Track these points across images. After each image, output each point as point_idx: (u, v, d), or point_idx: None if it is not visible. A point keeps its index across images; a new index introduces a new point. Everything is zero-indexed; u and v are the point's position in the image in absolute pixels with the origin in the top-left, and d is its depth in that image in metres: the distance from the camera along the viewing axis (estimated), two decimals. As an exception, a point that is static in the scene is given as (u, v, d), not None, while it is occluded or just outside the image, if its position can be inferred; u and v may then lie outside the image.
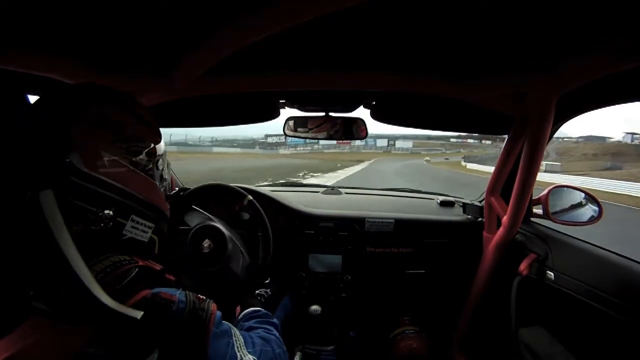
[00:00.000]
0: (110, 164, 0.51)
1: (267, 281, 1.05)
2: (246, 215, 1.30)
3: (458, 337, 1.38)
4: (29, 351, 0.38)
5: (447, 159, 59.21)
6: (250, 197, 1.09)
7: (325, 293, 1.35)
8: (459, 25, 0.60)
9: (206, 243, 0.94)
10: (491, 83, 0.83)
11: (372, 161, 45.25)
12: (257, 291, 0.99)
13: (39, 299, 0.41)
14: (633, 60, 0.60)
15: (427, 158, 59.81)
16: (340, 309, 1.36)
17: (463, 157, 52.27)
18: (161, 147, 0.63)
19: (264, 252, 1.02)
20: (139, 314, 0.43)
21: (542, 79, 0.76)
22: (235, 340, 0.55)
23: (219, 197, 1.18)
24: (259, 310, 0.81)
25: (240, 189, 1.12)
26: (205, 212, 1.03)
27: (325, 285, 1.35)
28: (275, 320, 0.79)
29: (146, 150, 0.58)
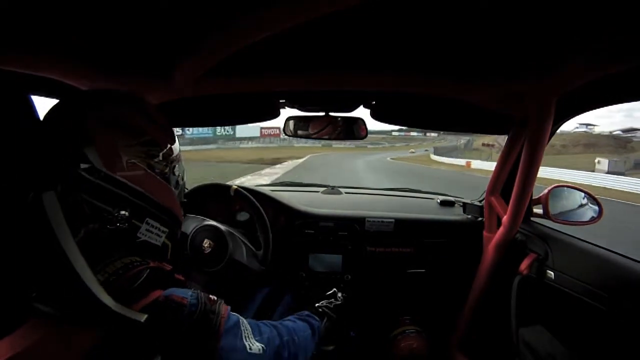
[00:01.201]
0: (128, 166, 0.51)
1: (329, 292, 0.98)
2: (244, 216, 1.30)
3: (458, 336, 1.38)
4: (33, 351, 0.38)
5: (426, 150, 55.32)
6: (234, 186, 1.08)
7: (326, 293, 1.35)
8: (459, 25, 0.60)
9: (206, 243, 0.94)
10: (491, 83, 0.83)
11: (306, 158, 29.41)
12: (318, 304, 0.92)
13: (40, 301, 0.41)
14: (633, 60, 0.60)
15: (412, 150, 56.12)
16: (340, 308, 1.36)
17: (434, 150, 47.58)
18: (176, 149, 0.63)
19: (263, 234, 1.00)
20: (142, 317, 0.43)
21: (542, 79, 0.76)
22: (244, 329, 0.55)
23: (208, 196, 1.17)
24: (303, 312, 0.82)
25: (222, 183, 1.11)
26: (199, 216, 1.03)
27: (326, 285, 1.35)
28: (313, 321, 0.78)
29: (162, 153, 0.58)
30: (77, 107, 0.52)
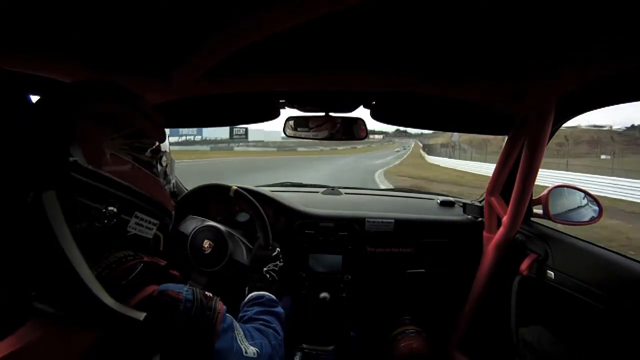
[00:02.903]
0: (114, 161, 0.50)
1: (274, 253, 0.97)
2: (244, 217, 1.30)
3: (458, 336, 1.38)
4: (33, 351, 0.38)
5: (398, 151, 47.97)
6: (234, 186, 1.07)
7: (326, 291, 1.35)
8: (459, 25, 0.60)
9: (206, 244, 0.94)
10: (491, 83, 0.83)
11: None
12: (265, 268, 0.91)
13: (40, 300, 0.41)
14: (633, 60, 0.60)
15: (397, 149, 50.49)
16: (340, 309, 1.36)
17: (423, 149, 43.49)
18: (165, 144, 0.62)
19: (262, 233, 1.00)
20: (141, 315, 0.43)
21: (542, 79, 0.76)
22: (237, 333, 0.55)
23: (208, 197, 1.17)
24: (262, 296, 0.80)
25: (223, 184, 1.11)
26: (198, 217, 1.03)
27: (326, 285, 1.35)
28: (278, 309, 0.78)
29: (151, 148, 0.57)
30: (60, 101, 0.50)
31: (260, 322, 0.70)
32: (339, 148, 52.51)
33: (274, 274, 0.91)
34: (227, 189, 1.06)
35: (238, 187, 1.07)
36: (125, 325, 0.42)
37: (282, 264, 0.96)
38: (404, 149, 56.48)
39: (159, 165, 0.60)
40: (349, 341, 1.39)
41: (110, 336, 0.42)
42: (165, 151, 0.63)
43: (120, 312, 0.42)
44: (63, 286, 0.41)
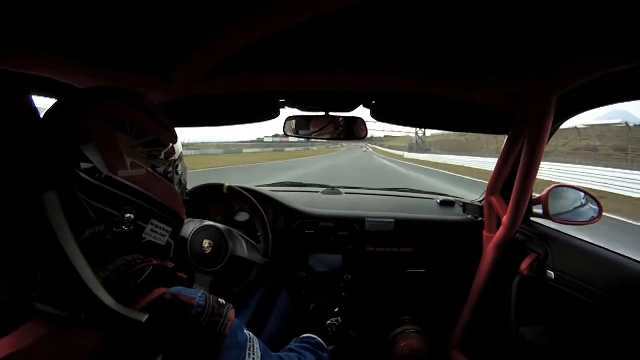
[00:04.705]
0: (133, 168, 0.51)
1: (334, 318, 1.00)
2: (244, 217, 1.30)
3: (458, 336, 1.38)
4: (33, 351, 0.38)
5: (365, 149, 47.79)
6: (227, 184, 1.07)
7: (325, 293, 1.35)
8: (459, 25, 0.60)
9: (206, 244, 0.94)
10: (491, 83, 0.83)
11: None
12: (328, 322, 0.96)
13: (41, 300, 0.41)
14: (632, 60, 0.60)
15: (364, 149, 50.13)
16: (340, 308, 1.36)
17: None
18: (179, 149, 0.63)
19: (261, 226, 1.00)
20: (143, 317, 0.42)
21: (541, 79, 0.76)
22: (249, 354, 0.52)
23: (205, 197, 1.18)
24: (313, 338, 0.81)
25: (216, 183, 1.10)
26: (196, 218, 1.03)
27: (325, 285, 1.35)
28: (324, 354, 0.77)
29: (165, 151, 0.57)
30: (77, 105, 0.51)
31: (295, 354, 0.68)
32: (258, 150, 40.41)
33: (334, 330, 0.96)
34: (220, 187, 1.06)
35: (231, 185, 1.07)
36: (127, 326, 0.42)
37: (341, 322, 1.00)
38: (368, 148, 61.35)
39: (175, 174, 0.60)
40: (349, 341, 1.39)
41: (112, 337, 0.42)
42: (181, 152, 0.63)
43: (121, 313, 0.42)
44: (63, 286, 0.41)
